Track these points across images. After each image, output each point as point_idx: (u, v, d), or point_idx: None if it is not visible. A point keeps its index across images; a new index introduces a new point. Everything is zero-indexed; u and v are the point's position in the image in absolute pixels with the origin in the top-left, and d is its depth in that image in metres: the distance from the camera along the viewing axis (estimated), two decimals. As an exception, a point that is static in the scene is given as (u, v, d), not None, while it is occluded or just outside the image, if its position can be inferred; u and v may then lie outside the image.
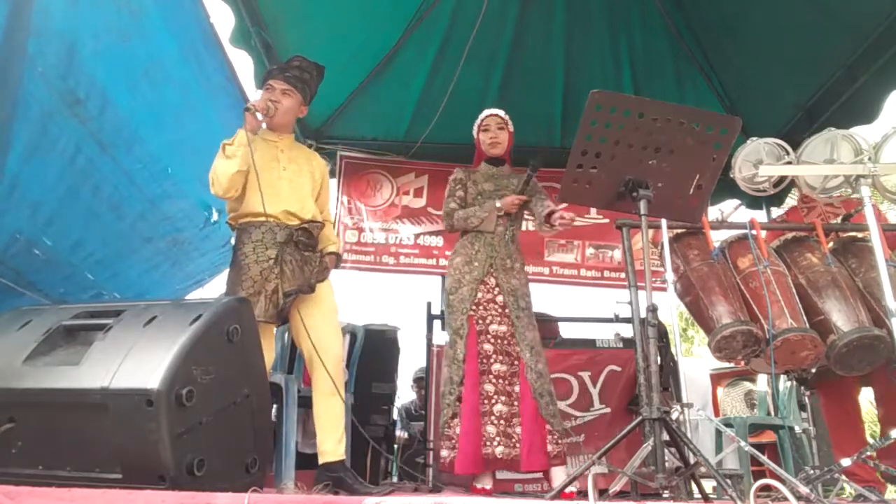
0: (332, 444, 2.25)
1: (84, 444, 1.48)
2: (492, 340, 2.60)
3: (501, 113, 2.88)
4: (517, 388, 2.55)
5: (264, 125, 2.46)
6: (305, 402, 2.80)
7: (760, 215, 4.42)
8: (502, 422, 2.50)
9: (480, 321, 2.61)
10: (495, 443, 2.48)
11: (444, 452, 2.51)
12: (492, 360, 2.57)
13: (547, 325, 3.76)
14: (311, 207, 2.44)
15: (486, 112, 2.89)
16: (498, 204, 2.69)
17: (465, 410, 2.49)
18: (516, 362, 2.58)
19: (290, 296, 2.26)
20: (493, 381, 2.55)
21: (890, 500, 2.08)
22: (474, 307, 2.63)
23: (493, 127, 2.84)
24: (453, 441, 2.49)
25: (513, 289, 2.67)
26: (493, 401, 2.53)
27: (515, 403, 2.53)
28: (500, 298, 2.65)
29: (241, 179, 2.31)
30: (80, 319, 1.71)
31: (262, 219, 2.32)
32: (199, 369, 1.52)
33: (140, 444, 1.42)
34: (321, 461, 2.25)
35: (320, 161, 2.65)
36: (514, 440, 2.49)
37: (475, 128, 2.91)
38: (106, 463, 1.45)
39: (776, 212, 4.39)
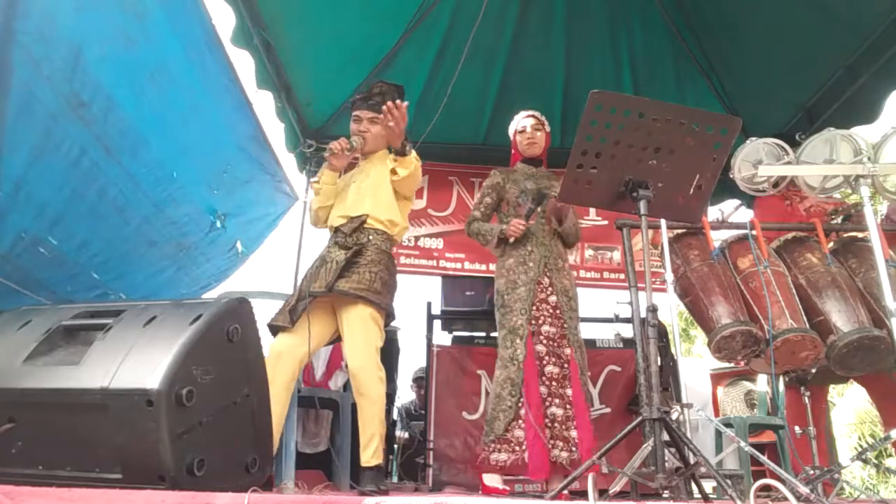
0: (361, 451, 2.30)
1: (84, 444, 1.48)
2: (544, 342, 2.57)
3: (538, 114, 2.91)
4: (569, 391, 2.52)
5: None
6: (305, 402, 2.81)
7: (760, 215, 4.42)
8: (557, 425, 2.48)
9: (533, 321, 2.59)
10: (551, 446, 2.45)
11: (502, 456, 2.45)
12: (545, 362, 2.55)
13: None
14: (365, 206, 2.46)
15: (524, 114, 2.93)
16: (503, 227, 2.69)
17: (532, 414, 2.45)
18: (566, 364, 2.56)
19: (302, 300, 2.29)
20: (547, 383, 2.53)
21: (890, 500, 2.08)
22: (530, 308, 2.60)
23: (529, 128, 2.86)
24: (512, 444, 2.45)
25: (565, 289, 2.67)
26: (548, 404, 2.50)
27: (569, 406, 2.51)
28: (552, 299, 2.63)
29: (325, 214, 2.54)
30: (79, 319, 1.71)
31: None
32: (199, 369, 1.52)
33: (140, 444, 1.41)
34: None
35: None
36: (571, 443, 2.46)
37: (511, 130, 2.93)
38: (106, 463, 1.45)
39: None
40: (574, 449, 2.45)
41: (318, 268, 2.39)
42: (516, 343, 2.54)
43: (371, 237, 2.43)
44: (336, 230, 2.45)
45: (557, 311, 2.62)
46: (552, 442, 2.46)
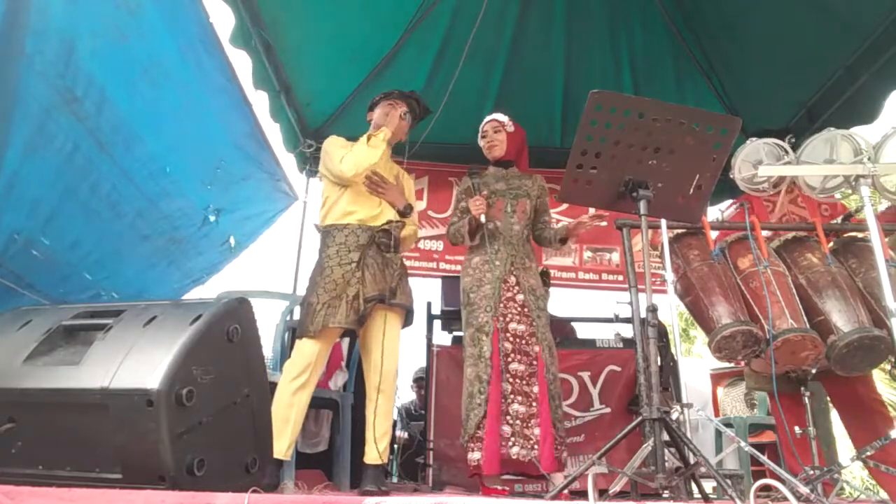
0: (369, 447, 2.37)
1: (84, 444, 1.48)
2: (510, 339, 2.58)
3: (498, 116, 2.90)
4: (535, 389, 2.53)
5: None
6: (305, 402, 2.80)
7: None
8: (518, 422, 2.48)
9: (501, 318, 2.60)
10: (510, 443, 2.45)
11: (476, 455, 2.43)
12: (510, 359, 2.55)
13: (562, 325, 3.77)
14: (393, 212, 2.55)
15: (487, 118, 2.93)
16: (469, 216, 2.68)
17: (491, 410, 2.46)
18: (535, 362, 2.56)
19: (370, 301, 2.35)
20: (511, 380, 2.53)
21: (890, 500, 2.08)
22: (496, 305, 2.61)
23: (490, 132, 2.88)
24: (483, 442, 2.44)
25: (532, 288, 2.68)
26: (510, 400, 2.50)
27: (534, 404, 2.51)
28: (519, 297, 2.64)
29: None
30: (80, 319, 1.71)
31: (346, 221, 2.47)
32: (199, 369, 1.52)
33: (140, 444, 1.41)
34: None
35: (405, 175, 2.78)
36: (532, 441, 2.46)
37: (479, 135, 2.94)
38: (106, 463, 1.45)
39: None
40: (535, 447, 2.44)
41: (360, 267, 2.39)
42: (482, 340, 2.56)
43: (398, 241, 2.55)
44: (381, 231, 2.48)
45: (525, 310, 2.63)
46: (512, 439, 2.46)
